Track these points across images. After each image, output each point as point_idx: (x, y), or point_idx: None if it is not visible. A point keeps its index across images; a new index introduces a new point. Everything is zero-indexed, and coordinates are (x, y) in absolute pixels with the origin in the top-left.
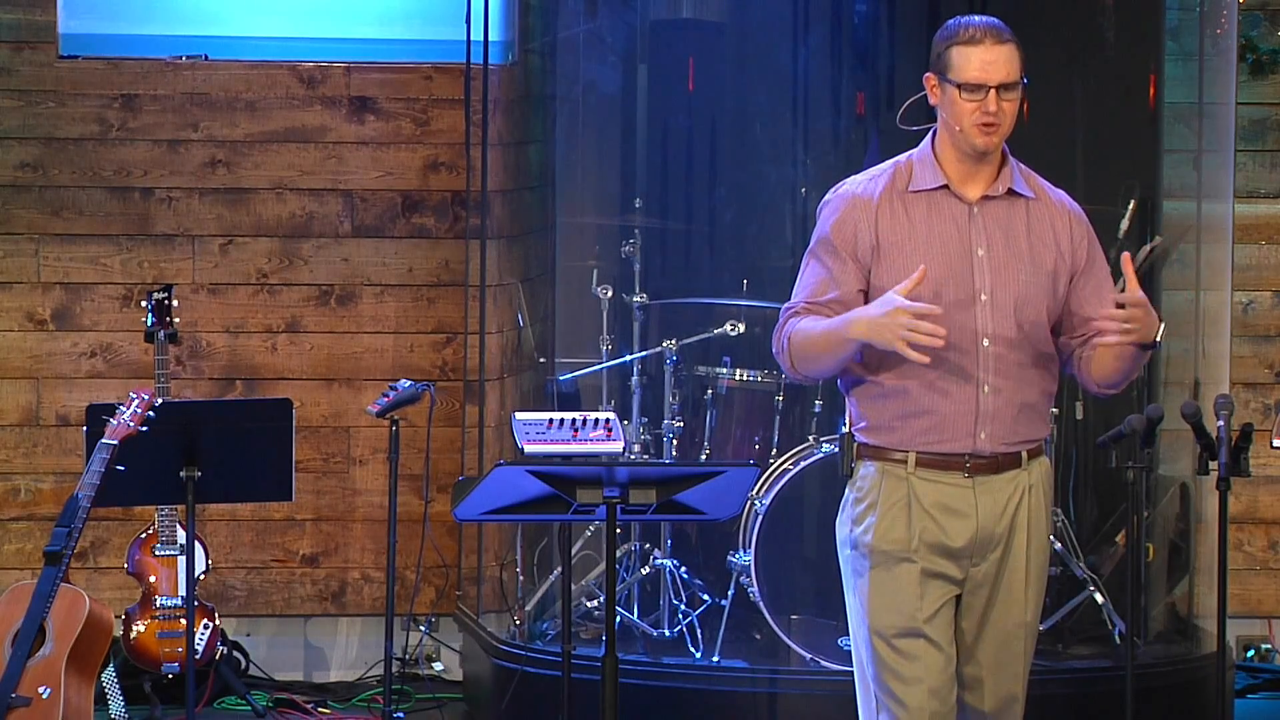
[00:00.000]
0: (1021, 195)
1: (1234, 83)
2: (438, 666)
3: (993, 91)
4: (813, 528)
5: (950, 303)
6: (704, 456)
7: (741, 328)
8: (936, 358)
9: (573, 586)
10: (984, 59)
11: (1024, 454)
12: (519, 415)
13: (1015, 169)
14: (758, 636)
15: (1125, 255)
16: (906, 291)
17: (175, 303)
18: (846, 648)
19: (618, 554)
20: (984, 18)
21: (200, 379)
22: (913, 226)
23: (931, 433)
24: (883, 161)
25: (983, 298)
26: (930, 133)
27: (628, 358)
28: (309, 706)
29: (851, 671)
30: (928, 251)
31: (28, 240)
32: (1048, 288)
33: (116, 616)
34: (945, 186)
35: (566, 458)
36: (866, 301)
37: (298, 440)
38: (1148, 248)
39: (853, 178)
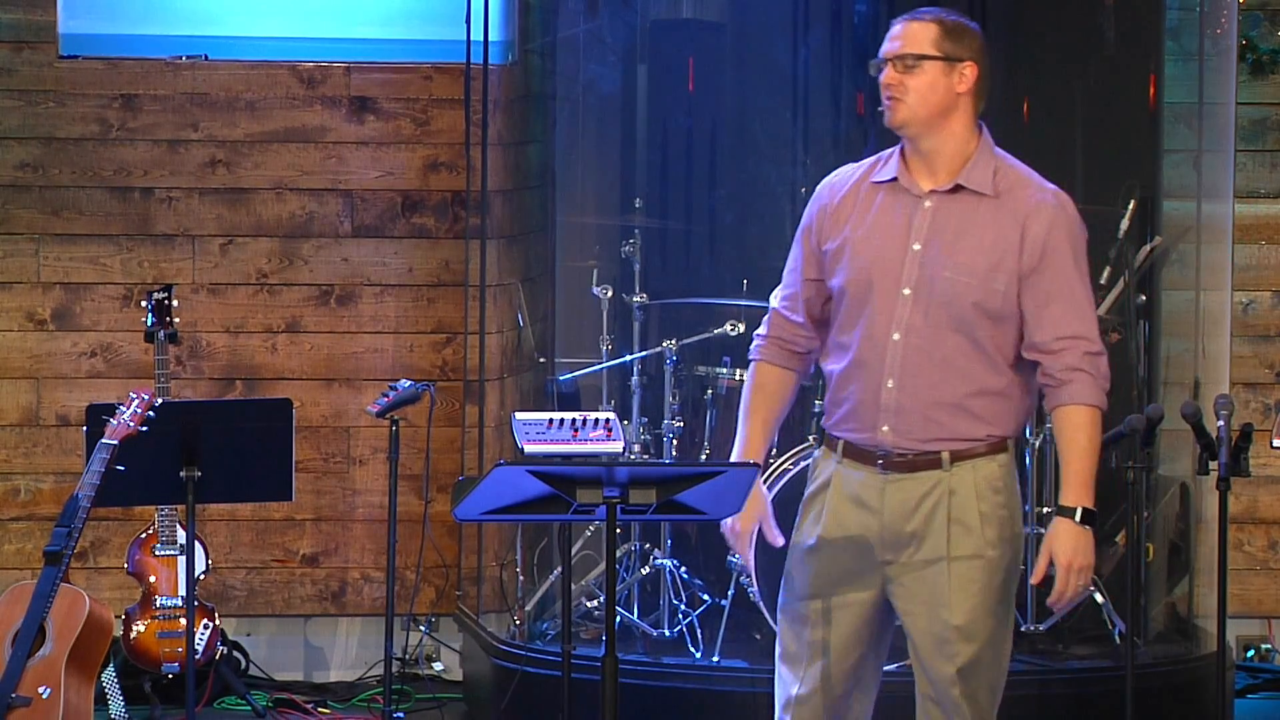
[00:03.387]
0: (976, 192)
1: (1234, 83)
2: (438, 666)
3: (888, 64)
4: None
5: (877, 294)
6: (704, 456)
7: (741, 328)
8: (856, 347)
9: (573, 586)
10: (888, 36)
11: (945, 455)
12: (519, 415)
13: (982, 165)
14: (758, 636)
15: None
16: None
17: (175, 303)
18: None
19: (618, 554)
20: (932, 8)
21: (200, 379)
22: (865, 218)
23: (849, 420)
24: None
25: (904, 292)
26: None
27: (628, 358)
28: (309, 706)
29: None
30: (868, 244)
31: (28, 240)
32: (981, 286)
33: (116, 616)
34: (895, 179)
35: (566, 458)
36: (821, 291)
37: (298, 440)
38: (1148, 248)
39: (847, 166)
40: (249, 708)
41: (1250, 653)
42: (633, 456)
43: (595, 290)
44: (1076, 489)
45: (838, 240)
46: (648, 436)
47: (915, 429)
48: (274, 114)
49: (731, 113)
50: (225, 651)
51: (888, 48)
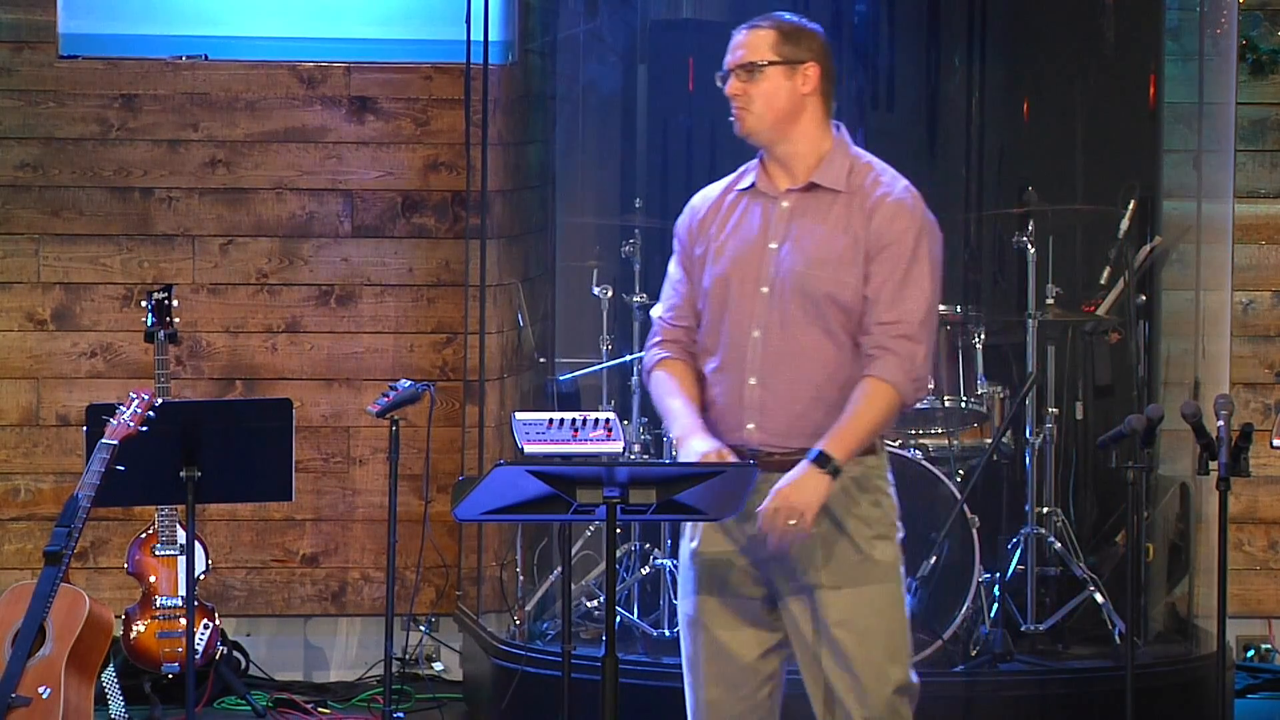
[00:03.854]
0: (830, 189)
1: (1234, 83)
2: (438, 666)
3: (731, 75)
4: None
5: (737, 295)
6: None
7: None
8: (720, 349)
9: (573, 586)
10: (730, 46)
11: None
12: (519, 415)
13: (837, 163)
14: None
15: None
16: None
17: (175, 303)
18: None
19: (618, 554)
20: (770, 13)
21: (200, 379)
22: (727, 224)
23: (719, 422)
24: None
25: (763, 290)
26: None
27: (628, 358)
28: (309, 706)
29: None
30: (729, 247)
31: (28, 240)
32: (833, 279)
33: (116, 616)
34: (754, 185)
35: (566, 458)
36: (697, 297)
37: (298, 440)
38: (1148, 248)
39: (719, 181)
40: (249, 708)
41: (1250, 653)
42: (633, 456)
43: (595, 290)
44: (831, 436)
45: (703, 247)
46: (648, 436)
47: (780, 426)
48: (274, 114)
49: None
50: (225, 651)
51: (729, 58)
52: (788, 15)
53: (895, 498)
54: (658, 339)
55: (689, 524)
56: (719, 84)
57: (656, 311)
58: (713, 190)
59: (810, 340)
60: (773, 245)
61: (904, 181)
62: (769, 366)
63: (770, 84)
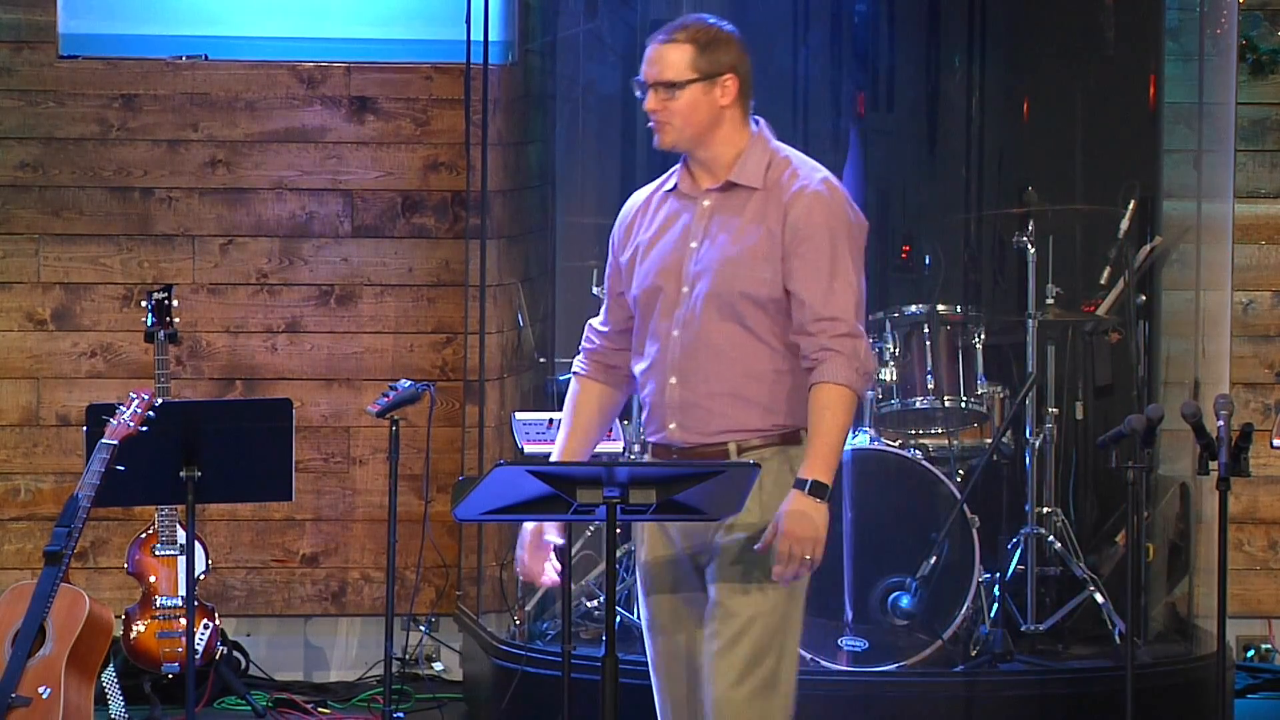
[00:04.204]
0: (747, 186)
1: (1234, 83)
2: (438, 666)
3: (650, 90)
4: None
5: (663, 295)
6: None
7: None
8: (647, 349)
9: (573, 586)
10: (646, 58)
11: (732, 447)
12: (519, 415)
13: (754, 160)
14: None
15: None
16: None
17: (175, 303)
18: (847, 647)
19: (618, 554)
20: (686, 18)
21: (200, 379)
22: (654, 227)
23: (649, 422)
24: (878, 161)
25: (684, 289)
26: None
27: None
28: (309, 706)
29: (850, 671)
30: (654, 249)
31: (28, 240)
32: (747, 275)
33: (116, 616)
34: (676, 186)
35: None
36: (624, 305)
37: (298, 440)
38: (1148, 248)
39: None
40: (249, 708)
41: (1250, 653)
42: (633, 456)
43: (595, 290)
44: (811, 461)
45: (630, 251)
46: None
47: (699, 423)
48: (274, 114)
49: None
50: (225, 651)
51: (646, 72)
52: (705, 22)
53: None
54: (583, 348)
55: (638, 532)
56: (636, 93)
57: (596, 319)
58: (641, 194)
59: (726, 338)
60: (693, 244)
61: (823, 174)
62: (687, 365)
63: (688, 100)
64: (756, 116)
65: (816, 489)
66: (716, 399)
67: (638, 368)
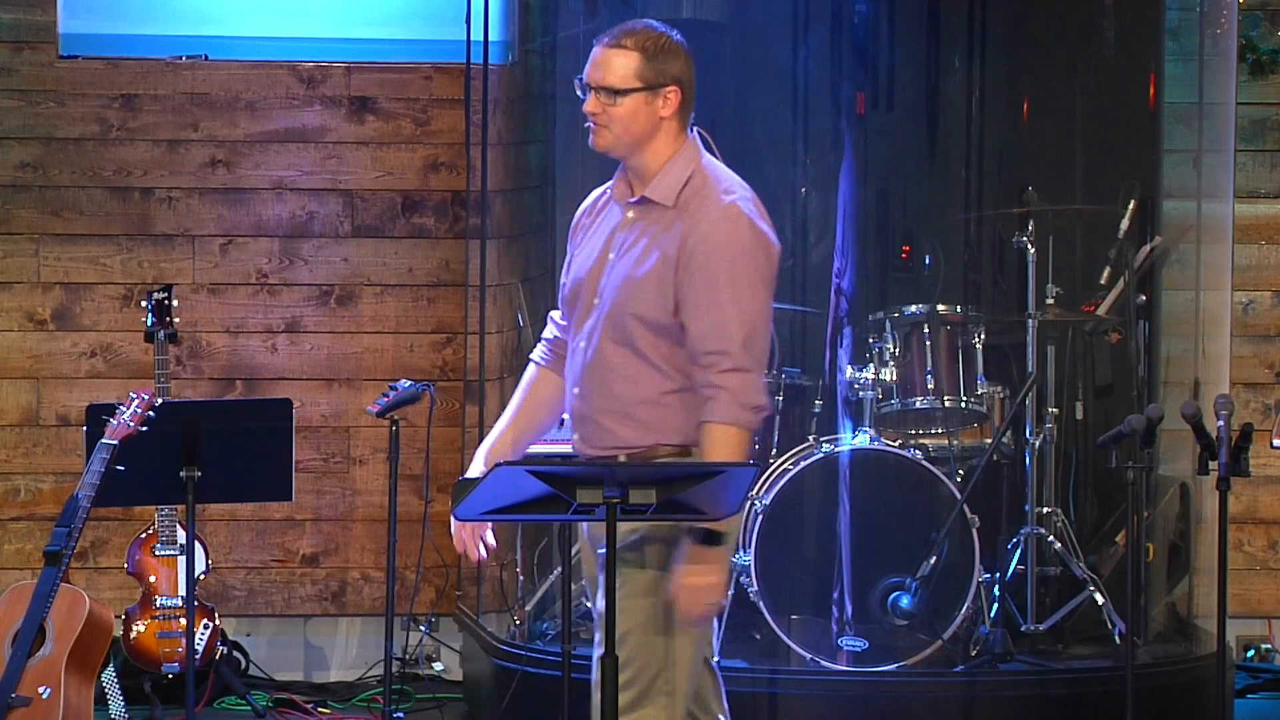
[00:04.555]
0: (658, 203)
1: (1234, 83)
2: (438, 666)
3: (592, 92)
4: (813, 528)
5: (579, 304)
6: None
7: None
8: (566, 355)
9: (573, 586)
10: (592, 59)
11: (622, 458)
12: None
13: (672, 177)
14: (758, 636)
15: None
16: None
17: (175, 303)
18: (847, 648)
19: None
20: (635, 23)
21: (200, 379)
22: (591, 231)
23: (570, 431)
24: (879, 161)
25: (595, 301)
26: None
27: None
28: (309, 706)
29: (850, 671)
30: (581, 256)
31: (28, 240)
32: (638, 297)
33: (116, 616)
34: (608, 194)
35: (566, 458)
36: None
37: (298, 440)
38: (1148, 248)
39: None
40: (249, 708)
41: (1250, 653)
42: None
43: None
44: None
45: (571, 252)
46: None
47: (593, 436)
48: (274, 114)
49: (731, 113)
50: (225, 651)
51: (589, 73)
52: (653, 29)
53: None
54: (543, 338)
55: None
56: (577, 91)
57: (556, 312)
58: (595, 193)
59: (619, 357)
60: (610, 256)
61: (736, 195)
62: (585, 378)
63: (629, 109)
64: (697, 129)
65: (710, 538)
66: (608, 416)
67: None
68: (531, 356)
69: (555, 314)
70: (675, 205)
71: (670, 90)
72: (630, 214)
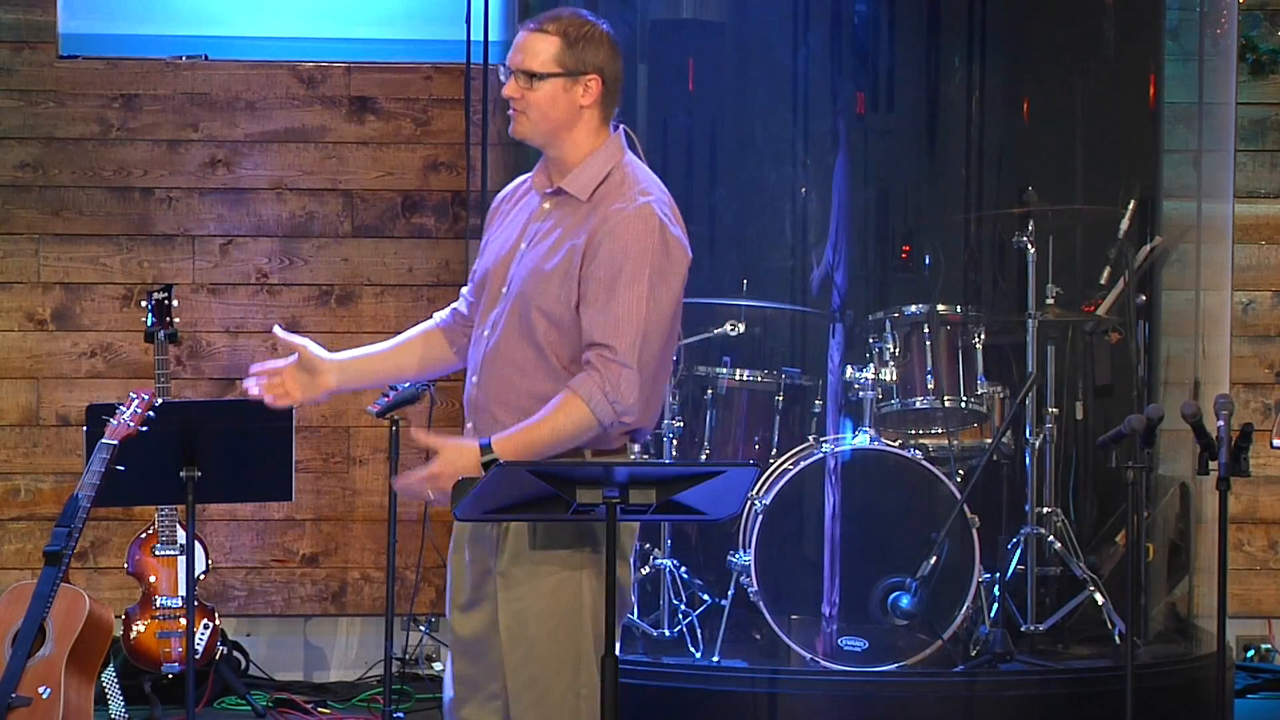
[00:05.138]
0: (572, 196)
1: (1234, 83)
2: (438, 666)
3: (512, 75)
4: (813, 528)
5: (488, 293)
6: (704, 456)
7: (741, 328)
8: (469, 344)
9: None
10: (514, 43)
11: None
12: None
13: (591, 170)
14: (758, 636)
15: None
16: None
17: (175, 303)
18: (848, 648)
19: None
20: (562, 9)
21: (200, 379)
22: (508, 219)
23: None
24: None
25: (503, 290)
26: None
27: None
28: (309, 706)
29: (850, 671)
30: (494, 245)
31: (28, 240)
32: (543, 291)
33: (116, 616)
34: (529, 182)
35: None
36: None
37: (298, 440)
38: (1148, 248)
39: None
40: (249, 708)
41: (1250, 653)
42: (632, 456)
43: None
44: (503, 434)
45: (488, 238)
46: (648, 436)
47: (486, 427)
48: (274, 114)
49: (731, 113)
50: (225, 651)
51: (510, 57)
52: (579, 16)
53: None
54: (453, 307)
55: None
56: (500, 77)
57: (465, 287)
58: (516, 180)
59: (520, 351)
60: (522, 247)
61: (651, 197)
62: (485, 368)
63: (548, 95)
64: (624, 126)
65: (486, 448)
66: (502, 409)
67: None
68: (435, 314)
69: (465, 290)
70: (590, 200)
71: (591, 79)
72: (546, 205)
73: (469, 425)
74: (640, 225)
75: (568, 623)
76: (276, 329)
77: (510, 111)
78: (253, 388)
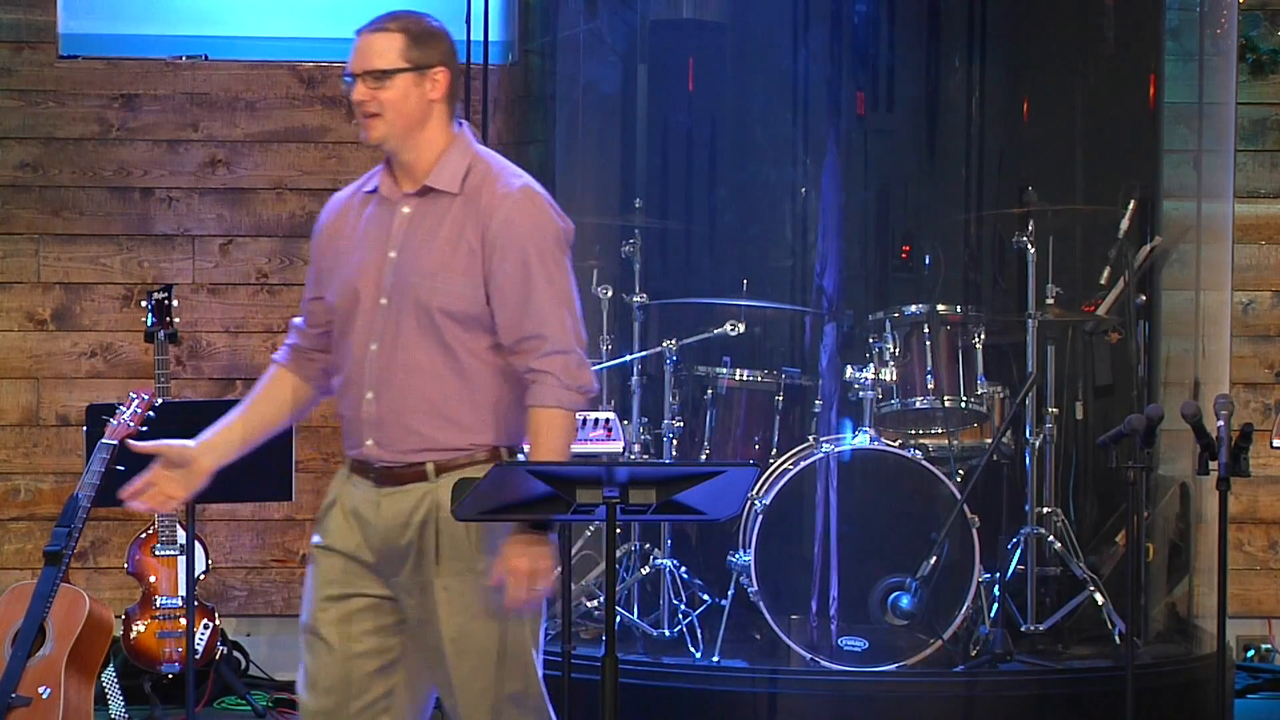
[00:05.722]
0: (445, 192)
1: (1234, 83)
2: None
3: (358, 80)
4: (812, 528)
5: (359, 307)
6: (704, 456)
7: (741, 328)
8: (344, 363)
9: (573, 586)
10: (354, 48)
11: (430, 466)
12: None
13: (453, 164)
14: (758, 636)
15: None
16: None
17: (175, 303)
18: (847, 647)
19: (618, 554)
20: (395, 10)
21: (200, 379)
22: (352, 230)
23: (346, 436)
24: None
25: (382, 301)
26: None
27: (628, 358)
28: None
29: (850, 671)
30: (351, 257)
31: (28, 240)
32: (444, 290)
33: (116, 616)
34: (376, 189)
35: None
36: (325, 309)
37: (298, 440)
38: (1148, 248)
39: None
40: (249, 708)
41: (1250, 653)
42: (632, 456)
43: (595, 290)
44: None
45: (330, 256)
46: (648, 436)
47: (396, 441)
48: (274, 114)
49: (731, 113)
50: (225, 651)
51: (353, 62)
52: (415, 13)
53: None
54: (286, 342)
55: (315, 534)
56: (344, 89)
57: (297, 318)
58: (341, 195)
59: (425, 355)
60: (391, 254)
61: (524, 180)
62: (384, 381)
63: (399, 91)
64: (461, 120)
65: (534, 523)
66: (416, 417)
67: (335, 381)
68: (274, 357)
69: (296, 320)
70: (461, 192)
71: (438, 71)
72: (407, 209)
73: (369, 442)
74: (532, 208)
75: (513, 624)
76: (130, 442)
77: (362, 118)
78: (135, 504)
